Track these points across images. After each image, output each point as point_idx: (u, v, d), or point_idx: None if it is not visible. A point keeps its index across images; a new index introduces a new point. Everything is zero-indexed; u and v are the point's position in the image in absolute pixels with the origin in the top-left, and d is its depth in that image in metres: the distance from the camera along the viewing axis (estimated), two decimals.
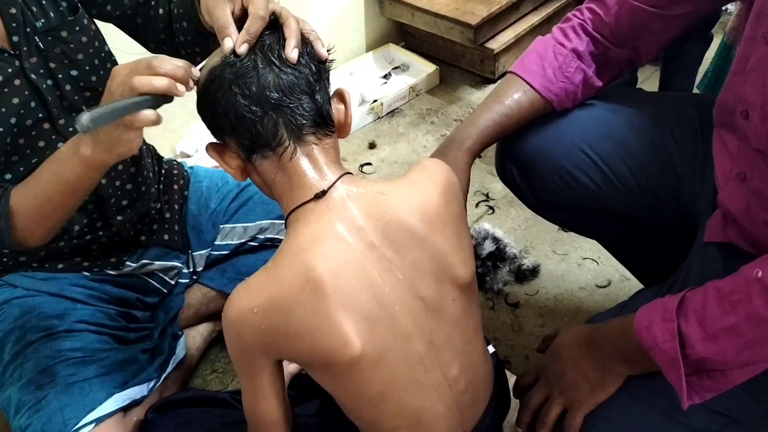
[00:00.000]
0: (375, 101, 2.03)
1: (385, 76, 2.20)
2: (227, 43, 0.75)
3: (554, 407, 0.91)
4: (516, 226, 1.60)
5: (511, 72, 1.04)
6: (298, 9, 1.86)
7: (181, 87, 0.76)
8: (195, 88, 0.78)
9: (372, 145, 1.92)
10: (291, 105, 0.74)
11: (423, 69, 2.15)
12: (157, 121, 0.76)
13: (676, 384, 0.76)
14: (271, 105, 0.73)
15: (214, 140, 0.80)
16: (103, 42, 1.08)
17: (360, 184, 0.78)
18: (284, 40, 0.76)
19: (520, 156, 1.07)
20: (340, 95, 0.82)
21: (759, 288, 0.68)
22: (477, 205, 1.67)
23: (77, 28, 1.01)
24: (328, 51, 0.80)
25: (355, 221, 0.75)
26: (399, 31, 2.32)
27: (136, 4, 1.07)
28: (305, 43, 0.78)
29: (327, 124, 0.77)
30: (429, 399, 0.82)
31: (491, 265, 1.47)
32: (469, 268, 0.82)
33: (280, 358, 0.79)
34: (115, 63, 1.09)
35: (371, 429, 0.85)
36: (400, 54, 2.25)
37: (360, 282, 0.74)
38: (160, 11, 1.07)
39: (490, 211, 1.66)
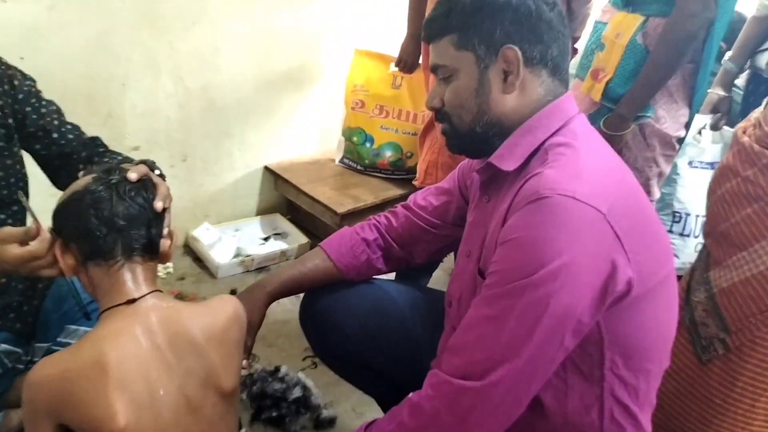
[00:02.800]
0: (248, 256, 2.35)
1: (266, 239, 2.55)
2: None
3: None
4: (330, 383, 1.86)
5: (318, 245, 1.38)
6: (204, 164, 2.33)
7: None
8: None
9: (233, 292, 2.20)
10: (131, 232, 0.98)
11: (298, 239, 2.52)
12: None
13: None
14: (116, 228, 0.96)
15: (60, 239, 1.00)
16: (22, 166, 1.33)
17: (164, 300, 1.01)
18: (154, 190, 1.03)
19: (315, 312, 1.37)
20: (170, 233, 1.07)
21: (408, 405, 0.98)
22: (303, 359, 1.94)
23: (6, 153, 1.27)
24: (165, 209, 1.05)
25: (151, 326, 0.97)
26: (288, 205, 2.71)
27: (60, 153, 1.33)
28: (151, 188, 1.03)
29: (153, 252, 1.03)
30: None
31: (295, 409, 1.70)
32: (232, 382, 1.04)
33: (61, 422, 0.94)
34: (26, 183, 1.33)
35: None
36: (284, 223, 2.62)
37: (138, 373, 0.94)
38: (80, 167, 1.31)
39: (314, 366, 1.93)
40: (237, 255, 2.38)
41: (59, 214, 1.00)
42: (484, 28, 1.01)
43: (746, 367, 1.31)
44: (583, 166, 0.96)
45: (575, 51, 2.03)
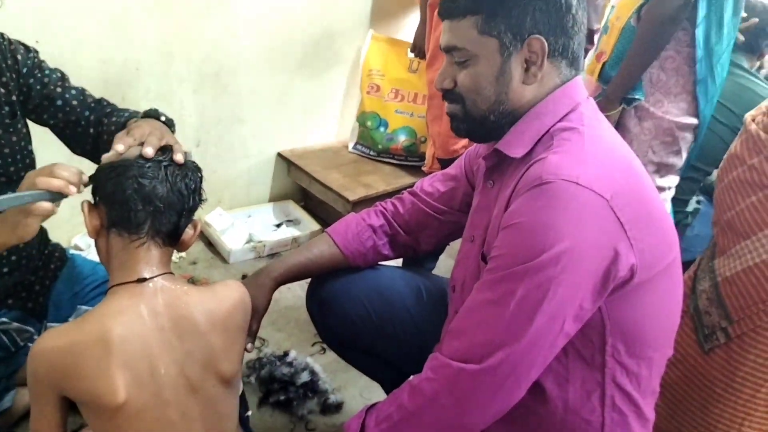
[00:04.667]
0: (260, 242, 2.37)
1: (278, 225, 2.56)
2: (119, 146, 1.01)
3: None
4: (338, 369, 1.87)
5: (324, 231, 1.39)
6: (217, 149, 2.33)
7: (72, 188, 0.98)
8: (85, 189, 1.01)
9: (244, 277, 2.21)
10: (162, 214, 0.99)
11: (310, 226, 2.53)
12: (51, 212, 0.98)
13: None
14: (150, 207, 0.97)
15: (92, 200, 1.00)
16: (29, 143, 1.36)
17: (174, 283, 1.03)
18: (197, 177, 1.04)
19: (321, 297, 1.38)
20: (195, 225, 1.07)
21: (408, 387, 0.98)
22: (312, 345, 1.96)
23: (11, 130, 1.30)
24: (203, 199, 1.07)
25: (156, 307, 0.99)
26: (301, 192, 2.72)
27: (67, 121, 1.35)
28: (194, 176, 1.03)
29: (176, 239, 1.04)
30: None
31: (302, 393, 1.72)
32: (232, 367, 1.06)
33: (64, 394, 0.97)
34: (33, 161, 1.37)
35: None
36: (296, 210, 2.63)
37: (141, 351, 0.96)
38: (91, 130, 1.34)
39: (322, 351, 1.94)
40: (249, 241, 2.39)
41: (103, 173, 1.00)
42: (514, 15, 0.99)
43: (748, 357, 1.30)
44: (588, 151, 0.95)
45: (593, 43, 2.01)
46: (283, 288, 2.15)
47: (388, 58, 2.59)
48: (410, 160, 2.61)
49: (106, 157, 1.02)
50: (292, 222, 2.60)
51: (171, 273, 1.04)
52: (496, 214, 1.03)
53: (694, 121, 1.69)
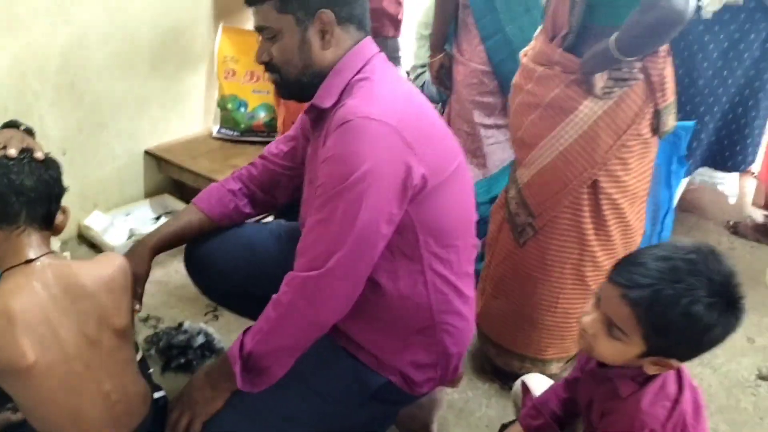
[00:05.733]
0: (141, 234, 2.50)
1: (157, 218, 2.70)
2: None
3: (183, 419, 1.33)
4: (231, 329, 2.07)
5: (191, 202, 1.59)
6: (83, 156, 2.49)
7: None
8: None
9: None
10: (35, 202, 1.15)
11: None
12: None
13: (236, 374, 1.24)
14: (23, 198, 1.13)
15: None
16: None
17: (57, 259, 1.20)
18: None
19: (196, 257, 1.59)
20: (64, 210, 1.23)
21: (271, 302, 1.23)
22: (205, 315, 2.15)
23: None
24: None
25: (47, 280, 1.16)
26: (174, 184, 2.87)
27: None
28: (55, 166, 1.20)
29: (50, 223, 1.20)
30: (85, 404, 1.20)
31: (200, 354, 1.92)
32: (123, 320, 1.24)
33: None
34: None
35: (44, 426, 1.21)
36: (173, 202, 2.78)
37: (40, 318, 1.13)
38: None
39: (215, 318, 2.15)
40: (131, 236, 2.52)
41: None
42: None
43: (551, 243, 1.64)
44: (377, 93, 1.22)
45: None
46: (170, 270, 2.35)
47: (241, 46, 2.76)
48: (271, 135, 2.81)
49: None
50: (170, 213, 2.74)
51: (53, 252, 1.21)
52: (320, 155, 1.28)
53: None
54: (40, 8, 2.19)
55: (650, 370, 1.07)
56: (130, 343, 1.31)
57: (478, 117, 2.18)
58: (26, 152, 1.18)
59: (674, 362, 1.06)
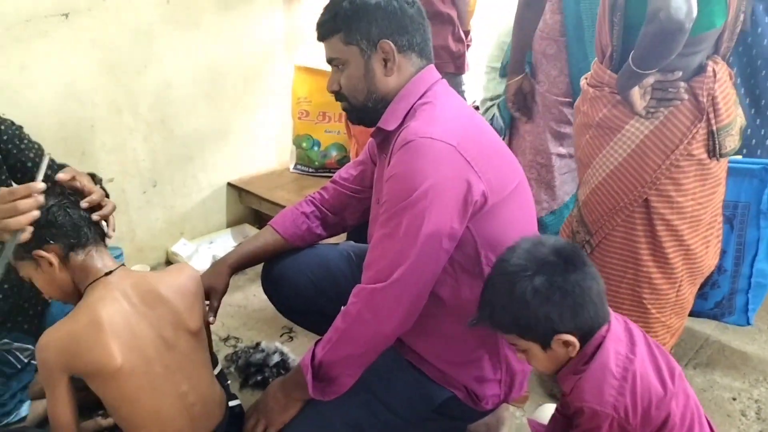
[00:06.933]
0: None
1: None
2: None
3: (259, 426, 1.42)
4: (305, 350, 2.15)
5: (268, 224, 1.70)
6: (172, 187, 2.71)
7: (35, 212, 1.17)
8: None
9: None
10: (96, 225, 1.32)
11: None
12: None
13: (307, 383, 1.31)
14: (87, 223, 1.29)
15: (26, 262, 1.26)
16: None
17: (131, 272, 1.35)
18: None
19: (272, 276, 1.69)
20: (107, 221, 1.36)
21: (340, 314, 1.31)
22: (281, 335, 2.25)
23: None
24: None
25: (126, 290, 1.29)
26: (254, 214, 3.03)
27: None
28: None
29: (103, 237, 1.34)
30: (165, 404, 1.31)
31: (276, 372, 2.01)
32: (196, 323, 1.36)
33: (71, 373, 1.24)
34: None
35: (129, 425, 1.32)
36: (252, 231, 2.92)
37: (124, 324, 1.25)
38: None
39: (290, 339, 2.24)
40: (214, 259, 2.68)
41: (48, 221, 1.24)
42: (363, 27, 1.34)
43: (606, 260, 1.66)
44: (438, 115, 1.30)
45: (470, 40, 2.41)
46: (249, 294, 2.48)
47: (312, 86, 2.91)
48: None
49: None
50: None
51: (123, 265, 1.35)
52: (384, 174, 1.36)
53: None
54: (134, 54, 2.42)
55: (561, 354, 1.18)
56: (204, 347, 1.42)
57: (554, 147, 2.21)
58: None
59: (564, 336, 1.15)
